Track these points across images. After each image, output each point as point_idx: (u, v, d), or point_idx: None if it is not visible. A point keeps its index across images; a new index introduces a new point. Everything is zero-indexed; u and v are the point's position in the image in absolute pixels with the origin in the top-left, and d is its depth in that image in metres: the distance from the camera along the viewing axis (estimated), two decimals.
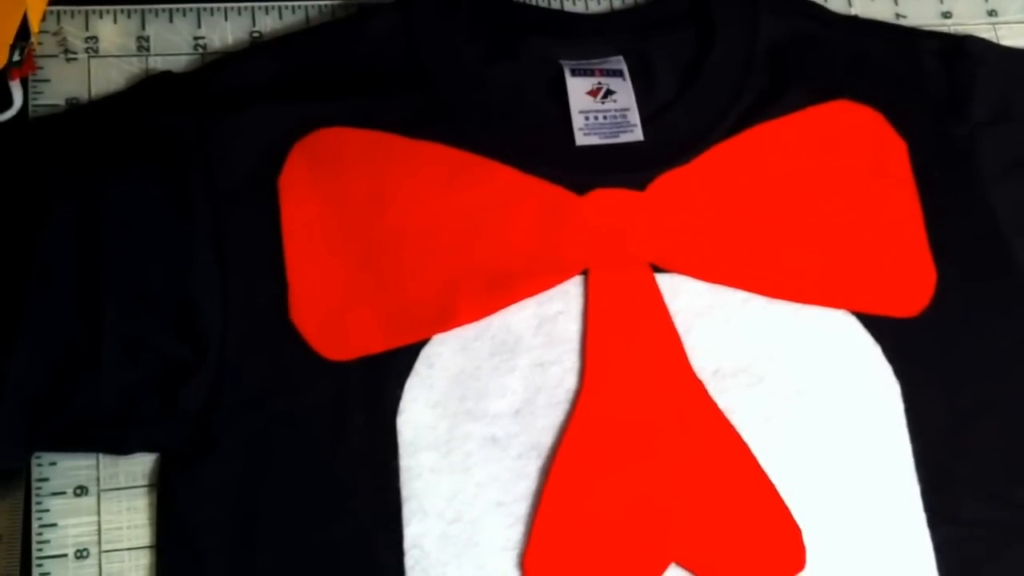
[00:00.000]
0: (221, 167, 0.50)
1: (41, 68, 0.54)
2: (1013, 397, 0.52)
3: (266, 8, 0.57)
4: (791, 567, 0.47)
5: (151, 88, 0.52)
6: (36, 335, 0.46)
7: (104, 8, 0.56)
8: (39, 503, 0.48)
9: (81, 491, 0.48)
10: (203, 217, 0.49)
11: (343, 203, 0.51)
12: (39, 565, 0.47)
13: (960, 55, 0.57)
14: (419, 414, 0.48)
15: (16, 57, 0.52)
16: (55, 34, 0.55)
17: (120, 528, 0.48)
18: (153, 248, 0.48)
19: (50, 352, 0.46)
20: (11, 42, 0.51)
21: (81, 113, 0.53)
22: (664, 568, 0.47)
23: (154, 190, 0.49)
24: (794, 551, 0.47)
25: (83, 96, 0.54)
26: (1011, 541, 0.50)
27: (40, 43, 0.54)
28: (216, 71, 0.53)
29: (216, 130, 0.50)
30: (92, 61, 0.55)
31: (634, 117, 0.54)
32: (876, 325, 0.51)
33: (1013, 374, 0.52)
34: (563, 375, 0.49)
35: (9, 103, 0.52)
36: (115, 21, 0.56)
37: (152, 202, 0.49)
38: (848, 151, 0.54)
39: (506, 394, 0.49)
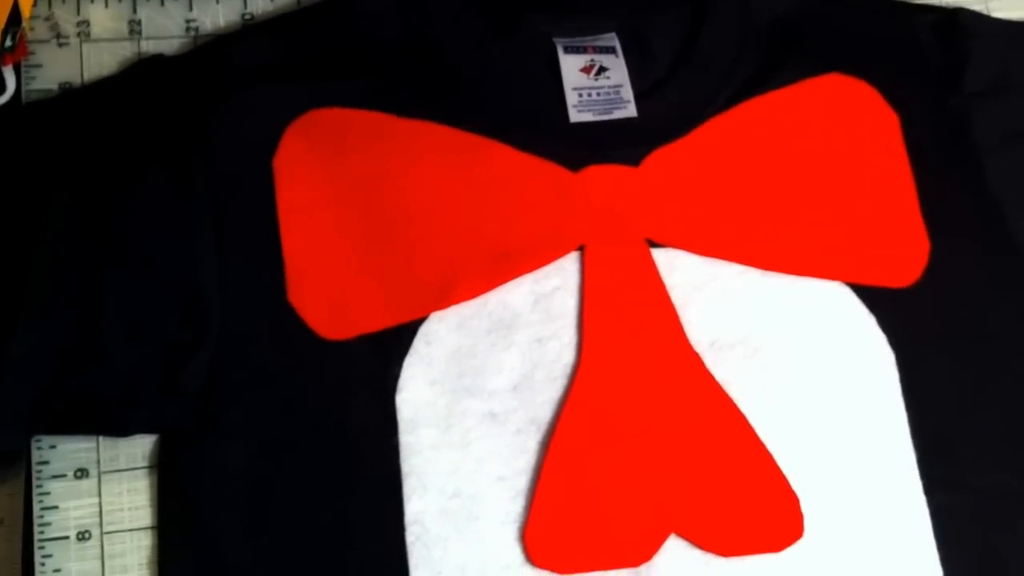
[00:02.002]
0: (221, 150, 0.50)
1: (33, 53, 0.54)
2: (1008, 365, 0.52)
3: None
4: (789, 535, 0.47)
5: (147, 72, 0.52)
6: (38, 317, 0.46)
7: None
8: (40, 486, 0.48)
9: (82, 473, 0.49)
10: (203, 200, 0.49)
11: (339, 183, 0.51)
12: (41, 548, 0.47)
13: (954, 27, 0.57)
14: (418, 391, 0.48)
15: (8, 42, 0.51)
16: (47, 19, 0.55)
17: (121, 510, 0.48)
18: (154, 230, 0.49)
19: (52, 334, 0.46)
20: (2, 27, 0.51)
21: (78, 97, 0.53)
22: (664, 539, 0.47)
23: (156, 173, 0.49)
24: (792, 519, 0.47)
25: (76, 81, 0.54)
26: (1009, 508, 0.50)
27: (32, 28, 0.54)
28: (211, 54, 0.53)
29: (215, 113, 0.50)
30: (84, 45, 0.55)
31: (627, 93, 0.54)
32: (871, 296, 0.51)
33: (1008, 342, 0.52)
34: (561, 350, 0.50)
35: (2, 89, 0.52)
36: (106, 5, 0.56)
37: (153, 185, 0.49)
38: (841, 124, 0.54)
39: (504, 370, 0.49)
